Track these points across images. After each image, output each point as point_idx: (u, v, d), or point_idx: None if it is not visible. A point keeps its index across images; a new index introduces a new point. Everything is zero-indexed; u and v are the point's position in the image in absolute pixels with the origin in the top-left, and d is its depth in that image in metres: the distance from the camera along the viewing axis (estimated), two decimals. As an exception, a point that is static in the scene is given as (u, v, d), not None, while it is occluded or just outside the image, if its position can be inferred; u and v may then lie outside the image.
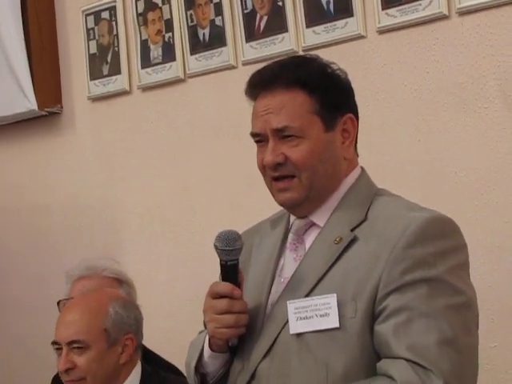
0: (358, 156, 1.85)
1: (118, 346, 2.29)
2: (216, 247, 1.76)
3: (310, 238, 1.80)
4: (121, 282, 2.62)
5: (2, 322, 4.10)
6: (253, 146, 3.41)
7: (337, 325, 1.66)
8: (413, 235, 1.66)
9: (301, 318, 1.70)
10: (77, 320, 2.27)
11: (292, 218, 1.84)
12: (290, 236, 1.83)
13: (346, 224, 1.74)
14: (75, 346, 2.24)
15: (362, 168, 1.84)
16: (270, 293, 1.81)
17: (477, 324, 1.72)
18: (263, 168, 1.79)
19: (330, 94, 1.77)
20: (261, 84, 1.79)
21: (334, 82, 1.80)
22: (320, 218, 1.78)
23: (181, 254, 3.42)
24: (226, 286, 1.76)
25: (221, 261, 1.77)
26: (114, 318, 2.29)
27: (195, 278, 3.29)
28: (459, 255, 1.71)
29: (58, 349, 2.27)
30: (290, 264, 1.80)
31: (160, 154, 3.49)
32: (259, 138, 1.80)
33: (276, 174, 1.77)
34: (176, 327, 3.30)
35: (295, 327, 1.71)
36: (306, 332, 1.70)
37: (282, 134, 1.75)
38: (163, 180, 3.48)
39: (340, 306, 1.67)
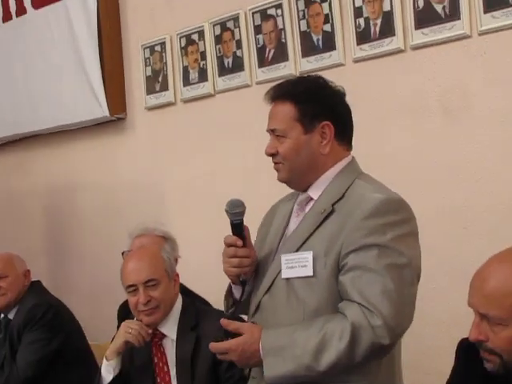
0: (350, 149, 1.81)
1: (172, 280, 2.29)
2: (226, 211, 1.79)
3: (308, 208, 1.78)
4: (166, 239, 2.62)
5: (81, 267, 4.10)
6: (261, 142, 3.39)
7: (311, 274, 1.66)
8: (368, 210, 1.64)
9: (289, 267, 1.70)
10: (147, 265, 2.25)
11: (300, 194, 1.82)
12: (295, 206, 1.82)
13: (330, 200, 1.72)
14: (150, 283, 2.22)
15: (352, 158, 1.80)
16: (278, 247, 1.79)
17: (417, 278, 1.68)
18: None
19: (310, 106, 1.73)
20: (270, 96, 1.79)
21: (317, 97, 1.75)
22: (315, 193, 1.77)
23: (208, 217, 3.37)
24: (231, 238, 1.78)
25: (230, 220, 1.79)
26: (167, 262, 2.30)
27: (219, 235, 3.27)
28: (405, 226, 1.67)
29: (133, 290, 2.23)
30: (292, 227, 1.79)
31: (195, 148, 3.46)
32: (270, 134, 1.79)
33: (273, 161, 1.78)
34: (206, 272, 3.25)
35: (285, 273, 1.70)
36: (292, 277, 1.69)
37: (275, 134, 1.75)
38: (197, 166, 3.45)
39: (315, 260, 1.66)
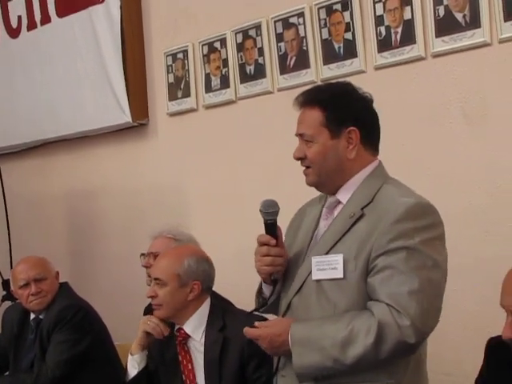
0: (377, 154, 1.83)
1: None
2: (260, 210, 1.80)
3: (336, 212, 1.80)
4: (175, 239, 2.68)
5: (105, 269, 4.14)
6: (282, 148, 3.37)
7: (341, 276, 1.68)
8: (398, 215, 1.66)
9: (319, 269, 1.72)
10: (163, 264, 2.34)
11: (328, 197, 1.84)
12: (324, 210, 1.84)
13: (359, 203, 1.74)
14: (156, 281, 2.31)
15: (379, 162, 1.83)
16: (308, 249, 1.81)
17: (444, 281, 1.71)
18: None
19: (336, 112, 1.76)
20: (299, 102, 1.82)
21: (343, 103, 1.78)
22: (344, 197, 1.79)
23: (229, 220, 3.41)
24: (265, 237, 1.80)
25: (263, 220, 1.81)
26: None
27: (241, 238, 3.29)
28: (433, 231, 1.69)
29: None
30: (321, 230, 1.82)
31: (216, 154, 3.48)
32: (298, 139, 1.82)
33: (302, 165, 1.81)
34: (227, 273, 3.24)
35: (316, 275, 1.73)
36: (323, 279, 1.71)
37: (303, 138, 1.78)
38: (217, 171, 3.47)
39: (345, 262, 1.68)
